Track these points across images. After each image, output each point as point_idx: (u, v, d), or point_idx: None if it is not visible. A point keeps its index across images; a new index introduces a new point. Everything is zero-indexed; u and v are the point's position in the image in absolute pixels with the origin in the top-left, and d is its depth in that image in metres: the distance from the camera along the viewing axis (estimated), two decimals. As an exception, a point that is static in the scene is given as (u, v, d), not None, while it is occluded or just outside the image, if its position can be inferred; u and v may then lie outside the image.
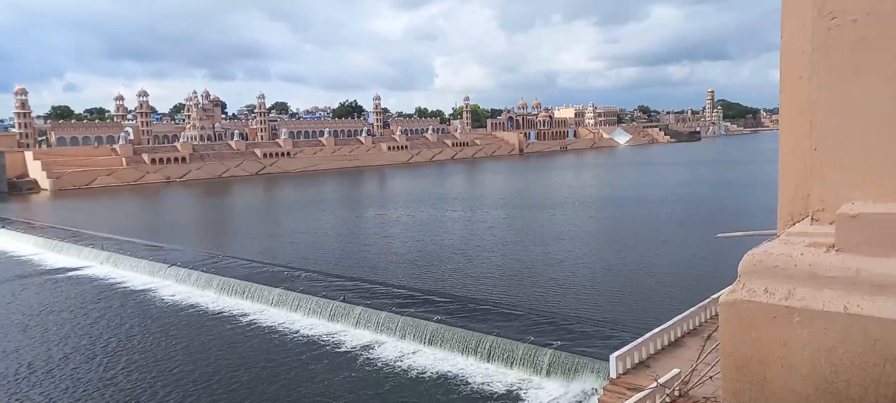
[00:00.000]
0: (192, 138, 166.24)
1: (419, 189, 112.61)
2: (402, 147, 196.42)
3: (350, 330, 33.36)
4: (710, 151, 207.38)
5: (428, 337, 30.36)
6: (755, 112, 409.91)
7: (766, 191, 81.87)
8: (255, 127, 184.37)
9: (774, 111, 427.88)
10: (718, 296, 24.55)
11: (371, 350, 30.61)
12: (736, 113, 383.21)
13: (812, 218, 2.76)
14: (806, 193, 3.30)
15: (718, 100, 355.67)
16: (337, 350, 31.08)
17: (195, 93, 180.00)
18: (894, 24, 2.49)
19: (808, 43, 2.90)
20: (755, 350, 2.72)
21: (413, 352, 29.87)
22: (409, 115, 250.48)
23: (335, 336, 32.91)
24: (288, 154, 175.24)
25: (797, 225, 2.83)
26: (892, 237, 2.49)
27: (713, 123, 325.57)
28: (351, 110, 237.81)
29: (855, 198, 2.68)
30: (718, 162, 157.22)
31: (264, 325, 35.33)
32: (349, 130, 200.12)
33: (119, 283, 46.95)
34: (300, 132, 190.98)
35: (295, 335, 33.51)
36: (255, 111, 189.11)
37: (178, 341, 33.43)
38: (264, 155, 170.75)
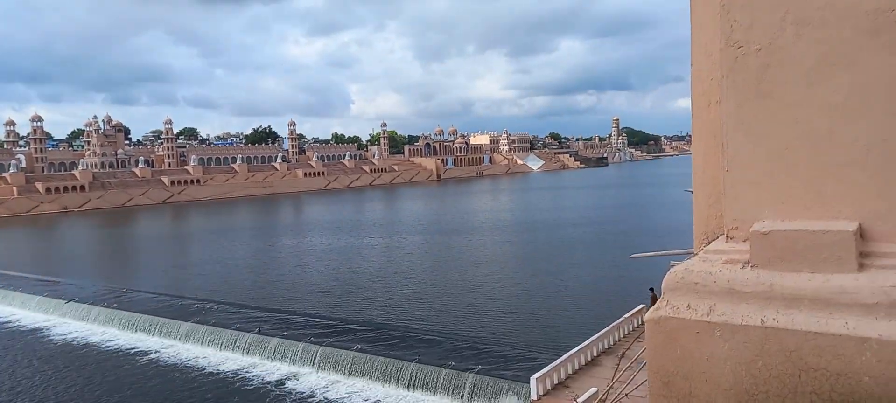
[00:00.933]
0: (91, 165, 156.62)
1: (337, 215, 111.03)
2: (318, 173, 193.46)
3: (266, 364, 32.17)
4: (616, 175, 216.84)
5: (348, 368, 29.73)
6: (657, 138, 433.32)
7: (671, 212, 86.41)
8: (161, 153, 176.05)
9: (674, 138, 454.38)
10: (631, 315, 25.52)
11: (289, 383, 29.59)
12: (639, 139, 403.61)
13: (727, 237, 2.88)
14: (719, 213, 3.44)
15: (623, 128, 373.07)
16: (252, 384, 29.83)
17: (95, 117, 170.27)
18: (793, 54, 2.66)
19: (717, 71, 3.04)
20: (680, 365, 2.78)
21: (333, 383, 29.12)
22: (326, 141, 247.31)
23: (250, 370, 31.60)
24: (197, 181, 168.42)
25: (713, 243, 2.94)
26: (802, 252, 2.62)
27: (619, 149, 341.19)
28: (265, 136, 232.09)
29: (765, 217, 2.81)
30: (625, 185, 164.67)
31: (173, 362, 33.42)
32: (263, 156, 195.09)
33: (6, 322, 43.16)
34: (211, 158, 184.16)
35: (207, 371, 31.89)
36: (162, 137, 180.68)
37: (74, 384, 30.97)
38: (172, 182, 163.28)
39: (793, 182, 2.75)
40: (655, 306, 2.83)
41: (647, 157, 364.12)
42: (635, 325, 25.28)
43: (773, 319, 2.59)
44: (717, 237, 3.15)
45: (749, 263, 2.73)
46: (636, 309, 26.10)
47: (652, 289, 27.43)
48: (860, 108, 2.56)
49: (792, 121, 2.76)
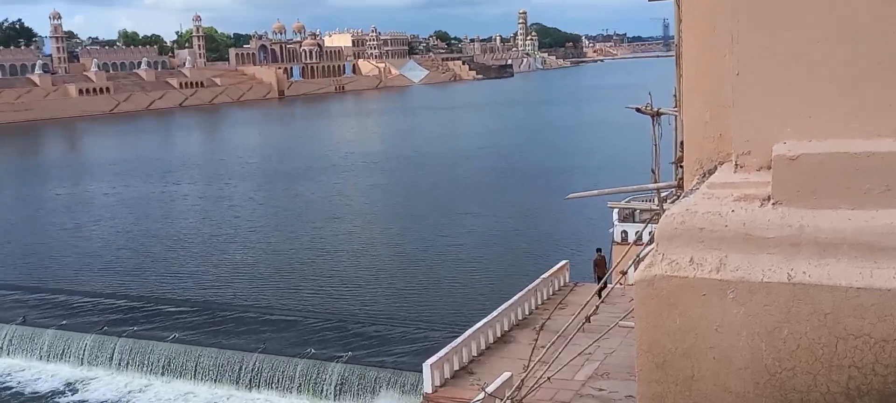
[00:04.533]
0: None
1: (132, 152, 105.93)
2: (101, 89, 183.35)
3: (37, 366, 30.79)
4: (525, 89, 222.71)
5: (161, 365, 29.09)
6: (576, 39, 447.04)
7: (601, 138, 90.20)
8: None
9: (599, 38, 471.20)
10: (549, 275, 26.54)
11: (73, 394, 28.58)
12: (553, 40, 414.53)
13: (736, 164, 2.92)
14: (718, 132, 3.50)
15: (532, 25, 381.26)
16: (17, 398, 28.52)
17: None
18: None
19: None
20: (680, 339, 2.82)
21: (141, 389, 28.51)
22: (111, 43, 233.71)
23: (12, 376, 30.15)
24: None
25: (717, 173, 2.99)
26: (839, 182, 2.68)
27: (528, 54, 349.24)
28: (14, 35, 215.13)
29: (787, 137, 2.86)
30: (537, 102, 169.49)
31: None
32: (13, 65, 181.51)
33: None
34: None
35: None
36: None
37: None
38: None
39: (826, 87, 2.81)
40: (647, 261, 2.85)
41: (565, 64, 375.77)
42: (557, 287, 26.36)
43: (804, 272, 2.66)
44: (720, 165, 3.21)
45: (769, 199, 2.79)
46: (557, 267, 27.15)
47: (599, 250, 28.61)
48: (913, -13, 2.64)
49: (824, 5, 2.81)
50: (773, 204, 2.75)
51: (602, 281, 23.99)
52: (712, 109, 3.52)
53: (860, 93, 2.69)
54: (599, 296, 23.28)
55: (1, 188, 78.47)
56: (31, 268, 45.30)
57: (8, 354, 31.80)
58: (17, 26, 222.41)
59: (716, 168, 3.27)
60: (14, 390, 29.34)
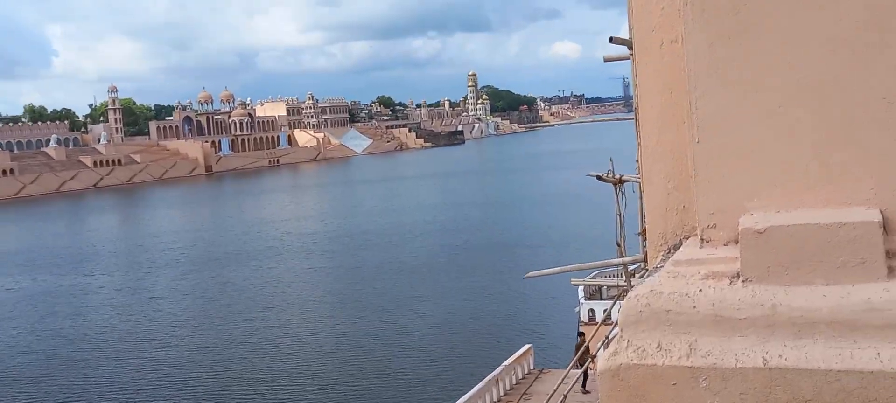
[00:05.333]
0: None
1: (38, 241, 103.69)
2: (4, 171, 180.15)
3: None
4: (479, 158, 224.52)
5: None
6: (531, 102, 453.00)
7: (562, 211, 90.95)
8: None
9: (554, 100, 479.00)
10: (512, 361, 26.44)
11: None
12: (506, 104, 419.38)
13: (701, 239, 2.96)
14: (682, 204, 3.54)
15: (483, 87, 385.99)
16: None
17: None
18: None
19: (679, -4, 3.13)
20: (651, 435, 2.82)
21: None
22: (15, 119, 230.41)
23: None
24: None
25: (682, 248, 3.03)
26: (813, 256, 2.72)
27: (479, 119, 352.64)
28: None
29: (754, 208, 2.90)
30: (491, 172, 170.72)
31: None
32: None
33: None
34: None
35: None
36: None
37: None
38: None
39: (790, 154, 2.87)
40: (611, 349, 2.87)
41: (519, 129, 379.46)
42: (521, 376, 26.28)
43: (780, 356, 2.69)
44: (685, 239, 3.25)
45: (739, 276, 2.83)
46: (520, 352, 27.12)
47: (581, 334, 28.35)
48: (878, 46, 2.70)
49: (785, 68, 2.87)
50: (744, 281, 2.79)
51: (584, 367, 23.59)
52: (675, 179, 3.59)
53: (829, 158, 2.75)
54: (585, 387, 23.22)
55: None
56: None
57: None
58: None
59: (681, 243, 3.32)
60: None
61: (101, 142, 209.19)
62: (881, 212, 2.72)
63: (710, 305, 2.75)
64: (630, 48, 4.09)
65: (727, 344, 2.69)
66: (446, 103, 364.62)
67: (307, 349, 44.50)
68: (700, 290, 2.80)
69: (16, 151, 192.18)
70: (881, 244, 2.64)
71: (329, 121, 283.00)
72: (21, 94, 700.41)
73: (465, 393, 24.06)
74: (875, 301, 2.59)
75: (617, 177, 11.02)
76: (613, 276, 25.02)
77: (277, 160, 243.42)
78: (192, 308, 57.88)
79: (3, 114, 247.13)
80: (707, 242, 2.94)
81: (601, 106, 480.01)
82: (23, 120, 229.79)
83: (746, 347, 2.66)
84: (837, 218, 2.70)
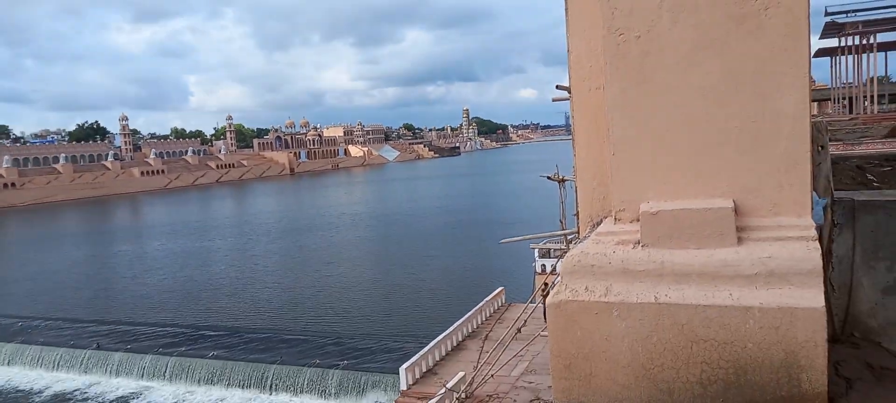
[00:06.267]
0: None
1: (180, 216, 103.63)
2: (157, 171, 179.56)
3: (109, 381, 29.46)
4: (469, 164, 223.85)
5: (204, 376, 28.02)
6: (504, 127, 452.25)
7: (525, 198, 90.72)
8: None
9: (520, 126, 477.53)
10: (491, 298, 26.43)
11: (137, 400, 27.30)
12: (488, 129, 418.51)
13: (615, 218, 2.94)
14: (603, 195, 3.53)
15: (473, 118, 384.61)
16: (92, 406, 27.19)
17: None
18: (671, 39, 2.77)
19: (598, 57, 3.10)
20: (581, 346, 2.82)
21: (187, 394, 27.39)
22: (165, 137, 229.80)
23: (91, 389, 28.78)
24: (13, 185, 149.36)
25: (602, 225, 3.01)
26: (687, 229, 2.73)
27: (470, 139, 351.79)
28: (92, 132, 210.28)
29: (650, 198, 2.90)
30: (478, 173, 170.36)
31: (-8, 391, 29.50)
32: (91, 155, 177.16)
33: None
34: (28, 159, 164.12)
35: (38, 395, 28.49)
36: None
37: None
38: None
39: (674, 163, 2.87)
40: (555, 290, 2.85)
41: (496, 146, 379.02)
42: (496, 307, 26.26)
43: (666, 295, 2.69)
44: (604, 219, 3.23)
45: (640, 243, 2.83)
46: (495, 293, 27.09)
47: (546, 284, 28.28)
48: (730, 91, 2.72)
49: (671, 105, 2.87)
50: (643, 246, 2.80)
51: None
52: (598, 179, 3.60)
53: (697, 165, 2.76)
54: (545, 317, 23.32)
55: (80, 245, 76.05)
56: (104, 306, 43.73)
57: (86, 372, 30.48)
58: (94, 126, 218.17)
59: (602, 221, 3.33)
60: (92, 397, 28.09)
61: (222, 152, 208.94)
62: (733, 201, 2.72)
63: (620, 261, 2.76)
64: (569, 92, 4.07)
65: (631, 287, 2.70)
66: (448, 128, 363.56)
67: (355, 288, 44.59)
68: (614, 252, 2.80)
69: (165, 158, 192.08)
70: (733, 223, 2.65)
71: (371, 139, 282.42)
72: (168, 121, 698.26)
73: (459, 318, 24.08)
74: (729, 259, 2.61)
75: (560, 177, 11.00)
76: (558, 242, 25.13)
77: (337, 165, 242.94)
78: (279, 262, 57.93)
79: (157, 133, 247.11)
80: (619, 220, 2.94)
81: (551, 131, 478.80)
82: (170, 137, 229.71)
83: (644, 289, 2.67)
84: (704, 205, 2.71)
